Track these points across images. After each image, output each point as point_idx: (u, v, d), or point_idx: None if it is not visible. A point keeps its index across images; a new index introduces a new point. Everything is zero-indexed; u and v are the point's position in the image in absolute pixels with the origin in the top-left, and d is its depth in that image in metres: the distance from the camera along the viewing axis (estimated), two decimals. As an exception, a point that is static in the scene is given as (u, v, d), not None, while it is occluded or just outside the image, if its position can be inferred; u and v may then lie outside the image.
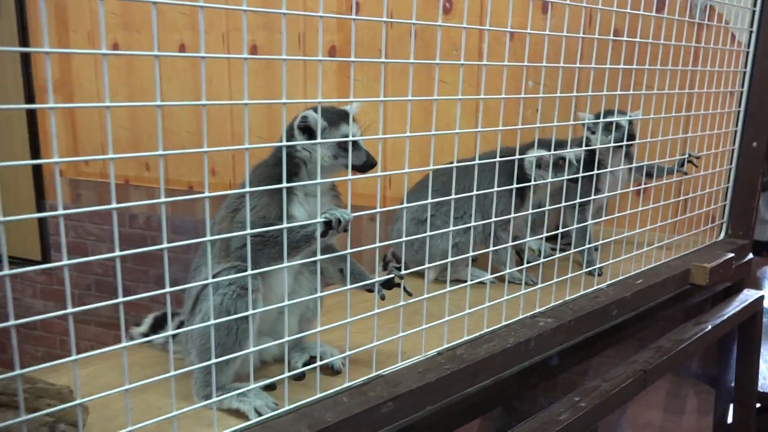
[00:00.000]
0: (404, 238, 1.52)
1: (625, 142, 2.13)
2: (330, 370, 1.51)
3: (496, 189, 1.65)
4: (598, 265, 2.15)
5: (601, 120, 2.20)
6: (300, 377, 1.48)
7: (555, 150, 1.97)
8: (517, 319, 1.78)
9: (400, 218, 2.24)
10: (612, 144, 2.23)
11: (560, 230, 2.16)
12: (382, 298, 1.48)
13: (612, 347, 2.09)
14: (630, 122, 2.16)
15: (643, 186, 2.38)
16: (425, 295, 1.52)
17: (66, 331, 4.41)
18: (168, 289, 1.16)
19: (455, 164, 1.66)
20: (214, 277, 1.37)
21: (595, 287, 2.02)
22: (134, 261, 3.82)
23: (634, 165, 2.30)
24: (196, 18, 3.41)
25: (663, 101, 2.10)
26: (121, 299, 1.07)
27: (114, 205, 1.05)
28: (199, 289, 1.40)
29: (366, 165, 1.46)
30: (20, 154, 3.94)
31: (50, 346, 4.30)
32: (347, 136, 1.41)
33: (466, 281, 1.92)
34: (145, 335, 1.69)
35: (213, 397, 1.23)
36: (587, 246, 2.01)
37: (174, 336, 1.61)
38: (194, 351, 1.38)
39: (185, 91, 3.49)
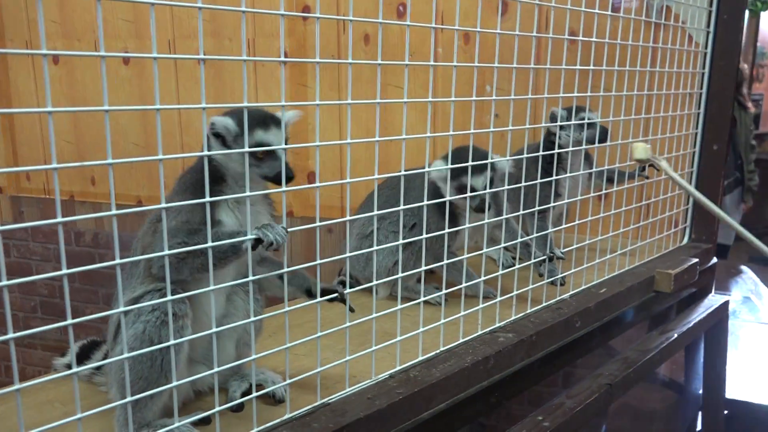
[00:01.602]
0: (347, 254, 1.40)
1: (599, 142, 2.06)
2: (272, 399, 1.38)
3: (400, 206, 1.51)
4: (560, 275, 2.06)
5: (571, 122, 2.12)
6: (238, 408, 1.35)
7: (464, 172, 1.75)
8: (475, 335, 1.68)
9: (350, 233, 2.12)
10: (583, 145, 2.16)
11: (517, 240, 2.06)
12: (351, 310, 1.37)
13: (577, 360, 2.00)
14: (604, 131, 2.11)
15: (604, 191, 2.30)
16: (373, 314, 1.41)
17: (9, 356, 4.18)
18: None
19: (400, 174, 1.55)
20: (136, 300, 1.24)
21: (558, 298, 1.93)
22: (82, 280, 3.63)
23: (595, 170, 2.22)
24: (140, 26, 3.25)
25: (622, 103, 2.03)
26: (69, 321, 0.93)
27: (60, 219, 0.93)
28: (116, 318, 1.26)
29: (279, 177, 1.26)
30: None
31: (-5, 373, 4.06)
32: (262, 144, 1.27)
33: (415, 299, 1.82)
34: (69, 366, 1.54)
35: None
36: (547, 254, 1.92)
37: (100, 367, 1.47)
38: (114, 385, 1.24)
39: (130, 101, 3.33)
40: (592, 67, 1.85)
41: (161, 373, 1.19)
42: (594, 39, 1.84)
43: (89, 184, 3.57)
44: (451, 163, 1.79)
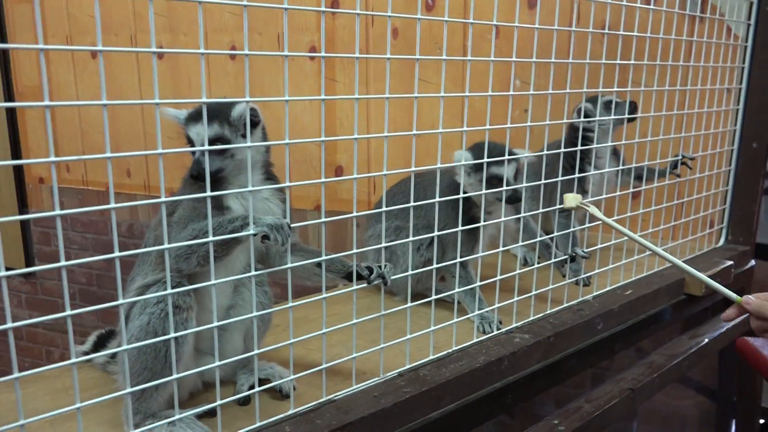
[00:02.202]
0: (355, 250, 1.38)
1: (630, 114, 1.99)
2: (280, 394, 1.38)
3: (402, 203, 1.51)
4: (583, 275, 2.01)
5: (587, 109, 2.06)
6: (245, 402, 1.35)
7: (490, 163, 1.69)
8: (491, 335, 1.65)
9: (373, 225, 2.11)
10: (610, 131, 2.08)
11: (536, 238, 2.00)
12: (385, 284, 1.40)
13: (599, 362, 1.94)
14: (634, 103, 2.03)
15: (632, 189, 2.23)
16: (381, 312, 1.39)
17: (51, 342, 4.33)
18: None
19: (413, 170, 1.52)
20: (147, 287, 1.26)
21: (580, 299, 1.88)
22: (113, 269, 3.71)
23: (622, 167, 2.15)
24: (173, 20, 3.30)
25: (656, 99, 1.96)
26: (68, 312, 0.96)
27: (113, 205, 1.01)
28: (128, 306, 1.27)
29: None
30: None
31: (36, 356, 4.20)
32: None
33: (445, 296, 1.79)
34: (87, 354, 1.57)
35: (131, 427, 1.10)
36: (568, 254, 1.86)
37: (113, 356, 1.50)
38: (121, 375, 1.26)
39: (166, 96, 3.39)
40: (632, 62, 1.79)
41: (165, 365, 1.20)
42: (635, 33, 1.78)
43: (125, 176, 3.65)
44: (475, 156, 1.74)
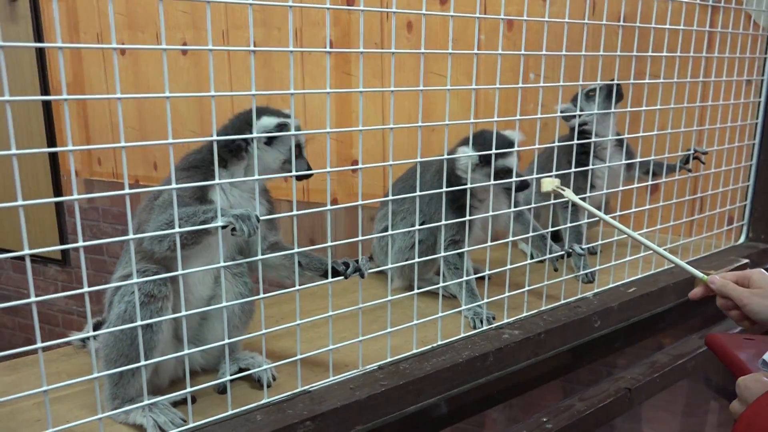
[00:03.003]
0: (355, 239, 1.39)
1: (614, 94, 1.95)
2: (259, 384, 1.41)
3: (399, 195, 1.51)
4: (584, 271, 1.97)
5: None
6: (223, 390, 1.38)
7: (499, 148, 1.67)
8: (479, 330, 1.64)
9: (380, 218, 2.12)
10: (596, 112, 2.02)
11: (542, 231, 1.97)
12: (362, 276, 1.43)
13: (597, 360, 1.91)
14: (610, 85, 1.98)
15: (636, 183, 2.17)
16: (359, 305, 1.40)
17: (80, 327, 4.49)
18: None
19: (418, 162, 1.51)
20: (126, 277, 1.30)
21: (579, 296, 1.85)
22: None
23: (628, 161, 2.09)
24: (196, 17, 3.37)
25: (673, 91, 1.90)
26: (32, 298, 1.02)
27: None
28: (111, 292, 1.32)
29: (303, 176, 1.45)
30: (38, 156, 4.01)
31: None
32: (298, 144, 1.42)
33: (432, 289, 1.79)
34: (83, 341, 1.63)
35: (101, 411, 1.14)
36: (564, 249, 1.83)
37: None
38: (101, 361, 1.31)
39: (188, 90, 3.47)
40: (649, 53, 1.75)
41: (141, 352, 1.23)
42: (652, 25, 1.74)
43: (152, 169, 3.75)
44: (477, 147, 1.72)
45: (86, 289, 1.07)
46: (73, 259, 4.22)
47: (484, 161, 1.72)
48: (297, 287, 1.32)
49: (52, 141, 4.04)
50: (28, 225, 0.96)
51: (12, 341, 4.68)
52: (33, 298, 1.00)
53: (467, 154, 1.72)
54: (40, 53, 3.91)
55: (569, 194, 1.65)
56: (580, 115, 2.03)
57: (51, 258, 4.27)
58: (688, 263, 2.14)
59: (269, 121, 1.40)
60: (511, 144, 1.72)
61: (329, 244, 1.33)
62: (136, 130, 3.70)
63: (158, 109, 3.59)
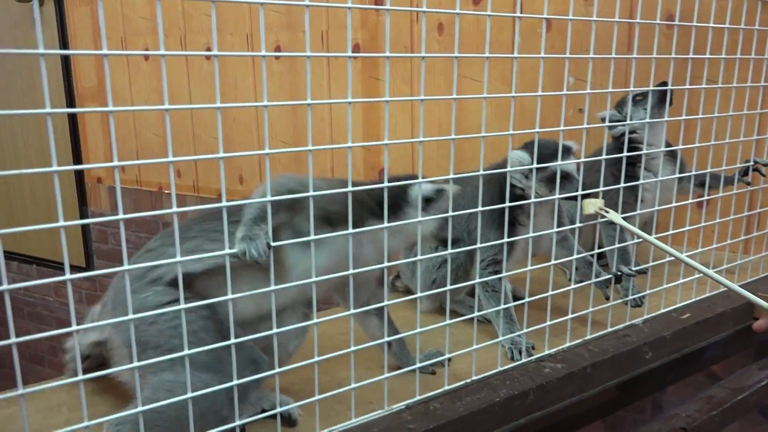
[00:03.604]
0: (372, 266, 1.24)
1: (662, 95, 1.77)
2: (288, 420, 1.28)
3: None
4: (633, 295, 1.80)
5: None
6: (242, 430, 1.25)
7: (551, 160, 1.56)
8: (518, 363, 1.48)
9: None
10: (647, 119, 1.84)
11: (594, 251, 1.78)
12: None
13: (647, 396, 1.73)
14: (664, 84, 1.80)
15: (692, 198, 1.99)
16: (385, 338, 1.26)
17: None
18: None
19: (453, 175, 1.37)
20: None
21: (627, 323, 1.68)
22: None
23: (681, 175, 1.91)
24: (219, 21, 3.27)
25: (730, 97, 1.73)
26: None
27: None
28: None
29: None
30: (62, 161, 3.96)
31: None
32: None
33: (465, 314, 1.65)
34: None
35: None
36: (613, 272, 1.66)
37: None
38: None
39: (214, 97, 3.37)
40: (707, 55, 1.58)
41: None
42: (711, 24, 1.57)
43: (175, 177, 3.67)
44: (532, 156, 1.56)
45: (131, 316, 0.94)
46: (97, 266, 4.16)
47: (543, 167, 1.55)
48: (315, 320, 1.18)
49: (76, 146, 3.99)
50: (50, 232, 0.88)
51: (38, 348, 4.65)
52: (74, 327, 0.90)
53: (518, 159, 1.56)
54: (65, 59, 3.86)
55: (614, 216, 1.49)
56: (627, 124, 1.86)
57: (73, 265, 4.22)
58: (745, 286, 1.98)
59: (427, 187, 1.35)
60: (567, 149, 1.57)
61: (351, 271, 1.18)
62: (159, 136, 3.63)
63: (181, 117, 3.51)
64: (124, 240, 0.95)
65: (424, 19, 1.16)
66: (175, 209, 0.99)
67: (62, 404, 1.39)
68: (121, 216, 0.94)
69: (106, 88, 0.88)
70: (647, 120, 1.79)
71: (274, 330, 1.11)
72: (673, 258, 1.71)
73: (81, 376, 0.94)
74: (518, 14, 1.32)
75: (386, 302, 1.40)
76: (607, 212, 1.50)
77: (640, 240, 1.85)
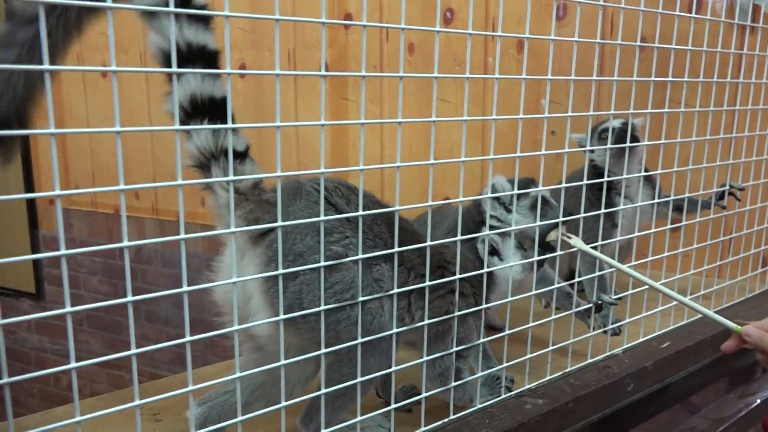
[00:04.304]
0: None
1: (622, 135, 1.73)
2: None
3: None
4: (612, 324, 1.74)
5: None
6: None
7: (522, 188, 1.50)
8: (496, 400, 1.40)
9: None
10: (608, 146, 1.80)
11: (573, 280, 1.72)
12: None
13: (626, 430, 1.67)
14: (627, 125, 1.76)
15: (670, 224, 1.95)
16: (359, 378, 1.16)
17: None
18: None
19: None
20: None
21: (607, 353, 1.62)
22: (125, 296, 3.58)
23: (658, 200, 1.87)
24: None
25: (703, 120, 1.70)
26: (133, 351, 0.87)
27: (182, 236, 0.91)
28: None
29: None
30: (14, 182, 3.77)
31: (45, 382, 4.09)
32: None
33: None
34: None
35: None
36: (593, 302, 1.60)
37: None
38: None
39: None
40: (686, 78, 1.54)
41: None
42: (690, 47, 1.53)
43: (133, 198, 3.52)
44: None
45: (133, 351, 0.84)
46: (48, 293, 3.96)
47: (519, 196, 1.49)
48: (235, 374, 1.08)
49: (27, 166, 3.80)
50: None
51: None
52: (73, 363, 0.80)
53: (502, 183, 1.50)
54: (18, 74, 3.69)
55: (577, 242, 1.44)
56: (591, 151, 1.84)
57: (23, 291, 4.00)
58: (721, 311, 1.95)
59: None
60: (531, 181, 1.51)
61: (322, 307, 1.09)
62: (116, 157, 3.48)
63: (141, 137, 3.38)
64: (66, 278, 0.83)
65: (402, 36, 1.09)
66: (182, 236, 0.88)
67: None
68: (63, 252, 0.83)
69: (48, 108, 0.77)
70: (615, 146, 1.75)
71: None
72: (644, 288, 1.66)
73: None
74: (499, 33, 1.26)
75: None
76: (569, 238, 1.45)
77: (619, 268, 1.80)
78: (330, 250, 1.07)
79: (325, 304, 1.04)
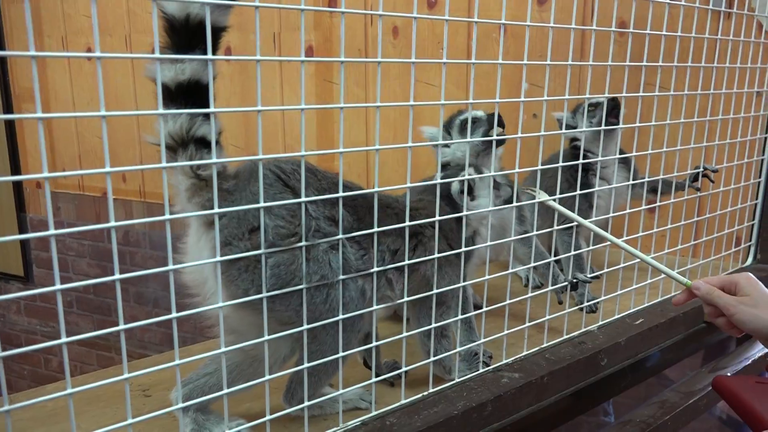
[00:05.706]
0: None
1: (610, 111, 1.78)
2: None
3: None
4: (588, 301, 1.80)
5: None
6: None
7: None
8: (475, 373, 1.46)
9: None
10: (597, 127, 1.84)
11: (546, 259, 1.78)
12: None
13: (599, 404, 1.73)
14: (614, 100, 1.81)
15: (645, 204, 2.01)
16: (340, 353, 1.20)
17: (51, 350, 4.24)
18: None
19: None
20: None
21: (582, 330, 1.68)
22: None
23: (634, 182, 1.92)
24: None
25: (678, 103, 1.74)
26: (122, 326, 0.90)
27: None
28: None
29: None
30: (0, 166, 3.77)
31: (35, 364, 4.12)
32: None
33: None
34: None
35: None
36: (568, 279, 1.65)
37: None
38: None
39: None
40: (660, 63, 1.58)
41: None
42: (665, 32, 1.57)
43: (120, 182, 3.53)
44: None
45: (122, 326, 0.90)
46: (37, 277, 3.97)
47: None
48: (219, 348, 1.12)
49: (13, 149, 3.80)
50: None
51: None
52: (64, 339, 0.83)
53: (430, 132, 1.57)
54: (1, 59, 3.68)
55: (543, 196, 1.49)
56: (582, 131, 1.87)
57: (12, 275, 4.02)
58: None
59: None
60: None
61: (304, 285, 1.13)
62: (101, 138, 3.49)
63: (126, 119, 3.38)
64: (56, 258, 0.87)
65: (380, 23, 1.12)
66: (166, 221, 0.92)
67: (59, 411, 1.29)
68: (52, 232, 0.86)
69: (35, 92, 0.80)
70: (602, 127, 1.79)
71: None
72: (629, 264, 1.72)
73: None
74: (475, 19, 1.29)
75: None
76: (533, 191, 1.49)
77: (596, 246, 1.86)
78: (278, 233, 1.10)
79: (268, 287, 1.06)
